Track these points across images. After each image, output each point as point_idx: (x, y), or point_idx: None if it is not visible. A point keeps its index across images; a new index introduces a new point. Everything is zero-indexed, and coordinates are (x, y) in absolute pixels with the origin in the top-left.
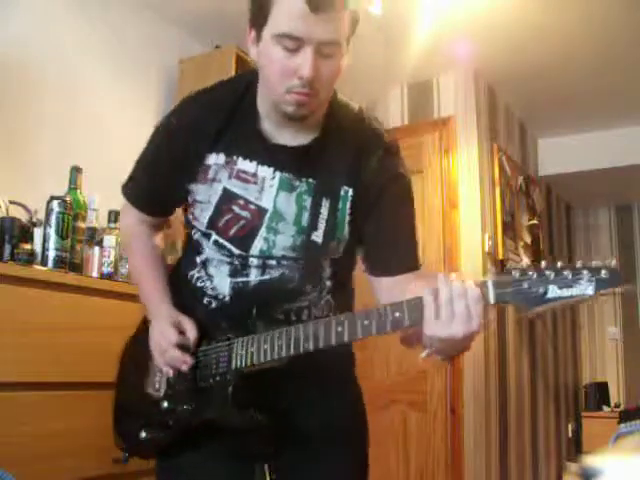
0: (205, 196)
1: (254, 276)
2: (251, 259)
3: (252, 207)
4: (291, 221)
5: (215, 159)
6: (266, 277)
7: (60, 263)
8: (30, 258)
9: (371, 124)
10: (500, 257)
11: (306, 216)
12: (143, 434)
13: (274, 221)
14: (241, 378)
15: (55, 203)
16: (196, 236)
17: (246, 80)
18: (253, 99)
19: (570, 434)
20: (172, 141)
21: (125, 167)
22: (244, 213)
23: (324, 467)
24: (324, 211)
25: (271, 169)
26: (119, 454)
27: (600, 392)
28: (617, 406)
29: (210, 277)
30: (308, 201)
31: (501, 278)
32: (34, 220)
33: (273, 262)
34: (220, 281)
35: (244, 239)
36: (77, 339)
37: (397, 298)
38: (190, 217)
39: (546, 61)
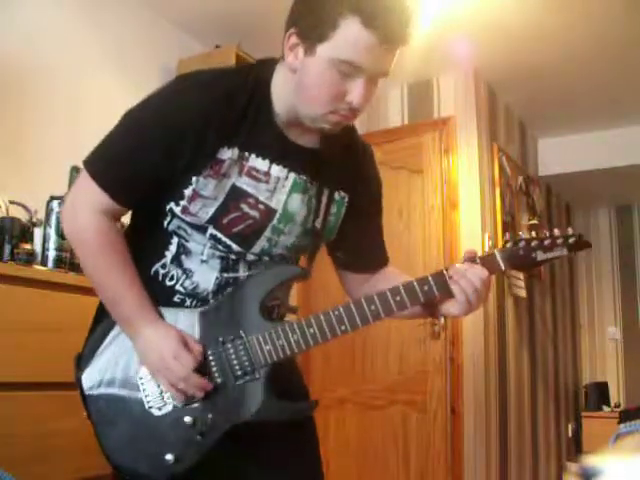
0: (213, 192)
1: (242, 271)
2: (248, 255)
3: (261, 207)
4: (299, 222)
5: (230, 154)
6: (252, 273)
7: (60, 263)
8: (30, 258)
9: (355, 129)
10: None
11: (312, 218)
12: (169, 456)
13: (282, 222)
14: (268, 372)
15: (55, 203)
16: (172, 227)
17: (255, 73)
18: (266, 93)
19: (570, 434)
20: (179, 132)
21: None
22: (253, 212)
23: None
24: (324, 213)
25: (285, 170)
26: None
27: (600, 392)
28: (617, 406)
29: (188, 272)
30: (314, 203)
31: (503, 249)
32: (34, 220)
33: (266, 259)
34: (203, 276)
35: (248, 238)
36: (77, 339)
37: (374, 288)
38: (177, 209)
39: (546, 61)
